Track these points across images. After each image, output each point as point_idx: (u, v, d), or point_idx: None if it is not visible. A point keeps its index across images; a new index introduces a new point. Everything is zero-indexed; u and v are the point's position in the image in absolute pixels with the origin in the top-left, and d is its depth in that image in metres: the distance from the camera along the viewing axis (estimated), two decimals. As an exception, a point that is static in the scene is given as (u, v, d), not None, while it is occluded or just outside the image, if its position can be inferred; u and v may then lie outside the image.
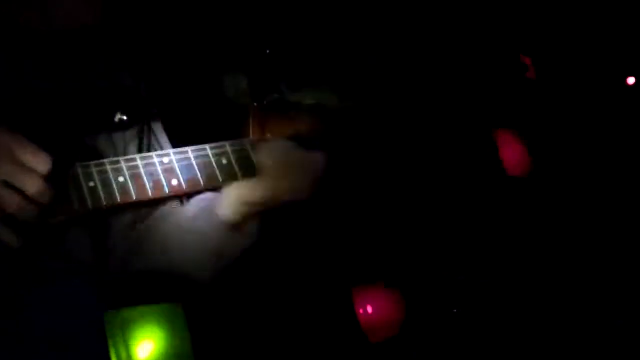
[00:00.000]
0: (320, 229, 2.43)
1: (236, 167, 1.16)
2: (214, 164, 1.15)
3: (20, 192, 0.96)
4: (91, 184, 1.04)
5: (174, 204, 1.29)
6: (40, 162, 0.98)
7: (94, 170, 1.05)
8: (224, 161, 1.16)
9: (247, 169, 1.17)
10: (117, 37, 1.31)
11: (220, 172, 1.15)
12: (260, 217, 1.25)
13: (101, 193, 1.05)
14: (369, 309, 1.40)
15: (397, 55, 2.59)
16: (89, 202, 1.04)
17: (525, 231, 2.62)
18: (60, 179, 1.03)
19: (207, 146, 1.16)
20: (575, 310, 2.61)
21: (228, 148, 1.18)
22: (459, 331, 2.56)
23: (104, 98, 1.21)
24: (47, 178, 0.98)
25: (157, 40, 2.29)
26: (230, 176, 1.15)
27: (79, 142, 1.17)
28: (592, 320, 2.58)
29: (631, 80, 2.74)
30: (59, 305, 1.10)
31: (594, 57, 2.68)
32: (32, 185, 0.97)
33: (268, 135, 2.57)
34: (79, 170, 1.05)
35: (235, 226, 1.23)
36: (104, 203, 1.05)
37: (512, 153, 1.72)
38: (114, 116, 1.19)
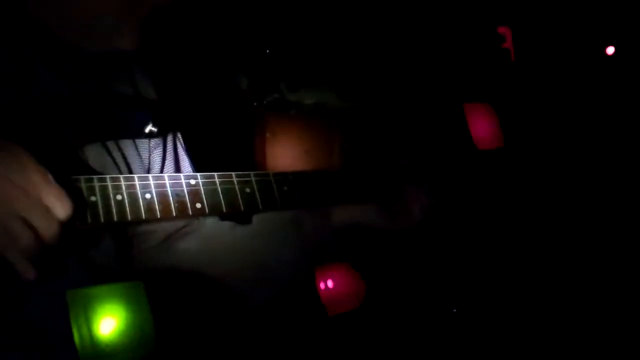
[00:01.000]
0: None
1: (258, 197, 1.20)
2: (237, 191, 1.19)
3: (34, 231, 0.98)
4: (119, 197, 1.08)
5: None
6: (61, 208, 1.00)
7: (122, 184, 1.09)
8: (247, 190, 1.20)
9: (268, 199, 1.22)
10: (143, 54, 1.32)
11: (242, 200, 1.19)
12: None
13: (127, 208, 1.08)
14: (330, 284, 1.45)
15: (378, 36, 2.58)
16: (115, 216, 1.07)
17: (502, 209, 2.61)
18: (86, 186, 1.06)
19: (233, 174, 1.19)
20: (575, 309, 2.62)
21: (252, 178, 1.21)
22: (459, 331, 2.56)
23: (127, 107, 1.23)
24: (64, 224, 1.00)
25: (170, 49, 2.30)
26: (251, 206, 1.20)
27: (101, 149, 1.19)
28: (592, 320, 2.59)
29: (610, 50, 2.66)
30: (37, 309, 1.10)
31: (573, 26, 2.64)
32: (47, 229, 0.99)
33: (268, 135, 2.58)
34: (108, 182, 1.08)
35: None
36: (130, 218, 1.08)
37: (482, 126, 1.75)
38: (144, 127, 1.22)
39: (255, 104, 2.49)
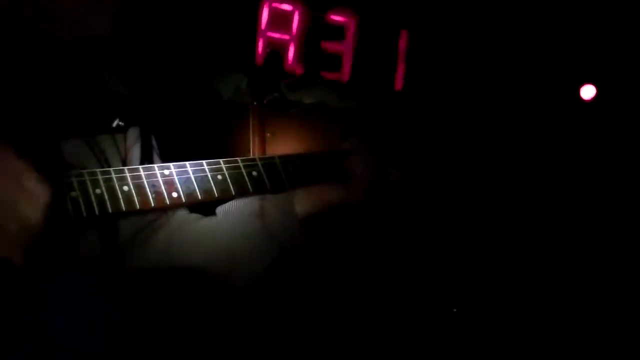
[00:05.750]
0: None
1: (230, 183, 1.23)
2: (210, 179, 1.21)
3: (19, 216, 1.00)
4: (98, 191, 1.09)
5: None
6: (41, 192, 1.01)
7: (100, 178, 1.10)
8: (219, 177, 1.22)
9: (241, 185, 1.24)
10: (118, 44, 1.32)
11: (216, 187, 1.21)
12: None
13: (107, 200, 1.10)
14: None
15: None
16: (96, 209, 1.08)
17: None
18: (65, 182, 1.07)
19: (204, 162, 1.22)
20: (575, 308, 2.62)
21: (223, 165, 1.24)
22: (459, 331, 2.56)
23: (98, 102, 1.24)
24: (46, 206, 1.02)
25: (153, 44, 2.30)
26: (225, 192, 1.22)
27: (79, 143, 1.20)
28: (592, 319, 2.59)
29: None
30: (68, 304, 1.11)
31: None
32: (32, 214, 1.00)
33: (268, 135, 2.58)
34: (86, 177, 1.09)
35: (304, 221, 1.32)
36: (110, 210, 1.09)
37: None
38: (112, 122, 1.23)
39: (255, 103, 2.49)
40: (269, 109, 2.53)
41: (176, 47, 2.38)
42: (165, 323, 1.36)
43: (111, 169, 1.13)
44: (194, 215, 1.37)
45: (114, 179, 1.11)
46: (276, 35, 2.47)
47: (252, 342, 2.17)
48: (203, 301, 1.36)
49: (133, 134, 1.31)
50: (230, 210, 1.35)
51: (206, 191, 1.21)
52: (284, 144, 2.58)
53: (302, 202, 1.34)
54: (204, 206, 1.32)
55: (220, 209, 1.35)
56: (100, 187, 1.09)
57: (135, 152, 1.32)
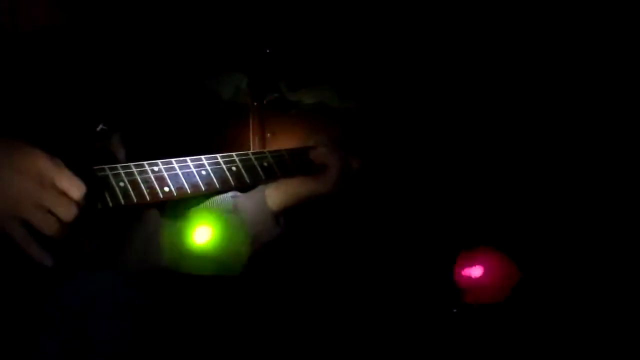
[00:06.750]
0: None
1: (214, 179, 1.31)
2: (195, 175, 1.28)
3: (55, 216, 1.02)
4: (122, 184, 1.16)
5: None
6: (75, 189, 1.03)
7: (122, 172, 1.17)
8: (203, 172, 1.29)
9: (224, 180, 1.32)
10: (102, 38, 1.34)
11: (202, 182, 1.28)
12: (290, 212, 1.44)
13: (132, 192, 1.18)
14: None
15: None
16: (122, 200, 1.14)
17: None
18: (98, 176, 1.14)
19: (187, 159, 1.29)
20: (575, 308, 2.62)
21: (205, 161, 1.31)
22: (459, 331, 2.56)
23: (86, 103, 1.27)
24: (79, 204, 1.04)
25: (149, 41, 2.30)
26: (210, 186, 1.30)
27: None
28: (592, 320, 2.59)
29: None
30: (76, 297, 1.12)
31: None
32: (66, 211, 1.02)
33: (268, 135, 2.58)
34: (108, 172, 1.15)
35: (276, 215, 1.39)
36: (135, 201, 1.17)
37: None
38: (96, 127, 1.27)
39: (255, 103, 2.49)
40: (269, 109, 2.53)
41: (176, 47, 2.38)
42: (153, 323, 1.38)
43: (132, 163, 1.19)
44: (166, 220, 1.41)
45: (135, 173, 1.17)
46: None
47: (234, 340, 2.17)
48: (182, 301, 1.38)
49: (115, 138, 1.34)
50: (205, 209, 1.39)
51: (194, 186, 1.27)
52: (284, 144, 2.57)
53: (273, 195, 1.39)
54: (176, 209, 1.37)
55: (194, 210, 1.39)
56: (123, 180, 1.15)
57: (120, 155, 1.34)
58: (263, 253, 1.44)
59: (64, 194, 1.01)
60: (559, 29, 2.64)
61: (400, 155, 1.65)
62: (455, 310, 2.56)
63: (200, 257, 1.39)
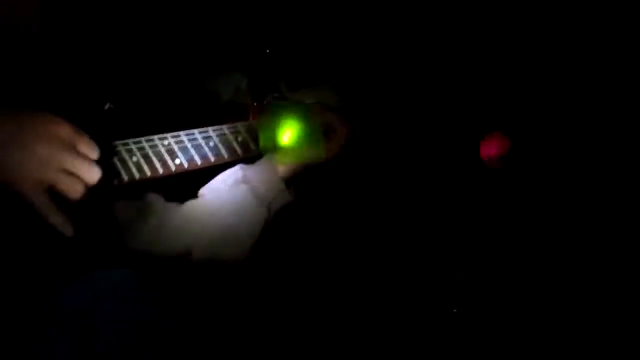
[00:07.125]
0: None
1: (223, 149, 1.36)
2: (204, 146, 1.33)
3: (80, 179, 1.05)
4: (134, 158, 1.20)
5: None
6: (93, 151, 1.07)
7: (133, 147, 1.21)
8: (211, 144, 1.35)
9: (231, 150, 1.39)
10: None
11: (210, 153, 1.34)
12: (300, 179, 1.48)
13: (144, 165, 1.21)
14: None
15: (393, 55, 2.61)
16: (136, 175, 1.19)
17: (513, 223, 2.63)
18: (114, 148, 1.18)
19: (195, 131, 1.35)
20: (575, 309, 2.62)
21: (211, 132, 1.37)
22: (459, 331, 2.56)
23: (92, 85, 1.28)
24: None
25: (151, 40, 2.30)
26: (219, 157, 1.36)
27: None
28: (592, 320, 2.59)
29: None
30: (84, 296, 1.13)
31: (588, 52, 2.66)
32: (90, 173, 1.06)
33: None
34: (121, 148, 1.18)
35: (287, 182, 1.43)
36: (149, 175, 1.22)
37: (491, 147, 1.97)
38: (103, 105, 1.29)
39: (255, 103, 2.48)
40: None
41: (176, 47, 2.38)
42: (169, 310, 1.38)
43: (142, 138, 1.24)
44: (174, 204, 1.43)
45: (147, 147, 1.22)
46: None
47: (240, 337, 2.17)
48: (197, 283, 1.39)
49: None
50: (215, 186, 1.40)
51: (203, 157, 1.33)
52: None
53: (281, 162, 1.42)
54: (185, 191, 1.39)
55: (205, 189, 1.40)
56: (135, 155, 1.19)
57: None
58: (274, 223, 1.45)
59: (86, 157, 1.03)
60: (559, 29, 2.64)
61: (400, 125, 1.69)
62: (455, 310, 2.56)
63: (213, 237, 1.40)
